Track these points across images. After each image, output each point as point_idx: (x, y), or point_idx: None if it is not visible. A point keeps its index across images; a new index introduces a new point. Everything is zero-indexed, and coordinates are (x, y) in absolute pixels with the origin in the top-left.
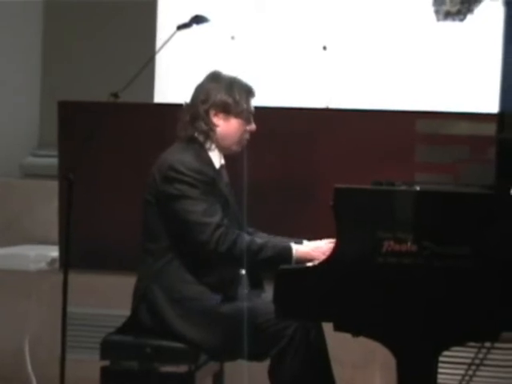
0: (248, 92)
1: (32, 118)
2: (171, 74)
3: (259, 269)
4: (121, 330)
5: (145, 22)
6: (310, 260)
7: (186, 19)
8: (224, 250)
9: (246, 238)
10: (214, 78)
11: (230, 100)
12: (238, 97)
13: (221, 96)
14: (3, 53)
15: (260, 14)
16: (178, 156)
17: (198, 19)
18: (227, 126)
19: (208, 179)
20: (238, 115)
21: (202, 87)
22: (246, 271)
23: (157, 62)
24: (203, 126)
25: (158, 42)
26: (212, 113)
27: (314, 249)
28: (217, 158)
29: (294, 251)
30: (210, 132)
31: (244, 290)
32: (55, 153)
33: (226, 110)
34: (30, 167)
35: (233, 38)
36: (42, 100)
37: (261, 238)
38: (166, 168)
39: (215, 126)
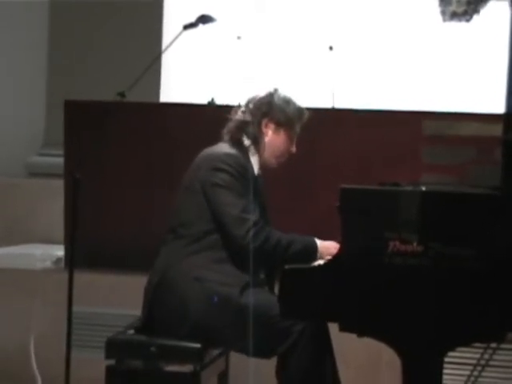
0: (301, 114)
1: (37, 118)
2: (177, 74)
3: (285, 263)
4: (136, 329)
5: (151, 22)
6: (331, 254)
7: (193, 19)
8: (257, 246)
9: (277, 233)
10: (273, 92)
11: (283, 114)
12: (291, 115)
13: (276, 108)
14: (9, 52)
15: (266, 14)
16: (226, 150)
17: (204, 19)
18: (275, 138)
19: (251, 177)
20: (286, 131)
21: (259, 98)
22: (265, 272)
23: (163, 62)
24: (254, 132)
25: (165, 42)
26: (264, 122)
27: (336, 245)
28: (256, 165)
29: (318, 245)
30: (258, 138)
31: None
32: (61, 152)
33: (279, 122)
34: (35, 166)
35: (239, 37)
36: (47, 99)
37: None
38: (215, 159)
39: (264, 134)
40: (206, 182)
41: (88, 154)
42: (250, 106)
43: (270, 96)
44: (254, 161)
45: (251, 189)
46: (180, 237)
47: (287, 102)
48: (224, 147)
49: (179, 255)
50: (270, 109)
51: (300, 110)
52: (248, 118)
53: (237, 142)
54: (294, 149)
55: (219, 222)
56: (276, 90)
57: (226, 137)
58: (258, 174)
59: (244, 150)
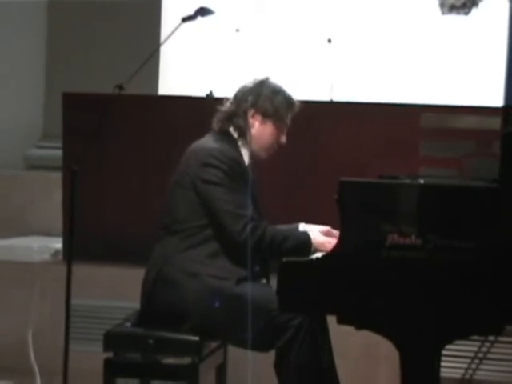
0: (290, 105)
1: (36, 110)
2: (176, 66)
3: (278, 258)
4: (134, 323)
5: (150, 14)
6: (324, 250)
7: (191, 11)
8: (254, 242)
9: (272, 229)
10: (262, 82)
11: (271, 106)
12: (279, 105)
13: (263, 99)
14: (8, 45)
15: (265, 6)
16: (216, 145)
17: (202, 11)
18: (262, 130)
19: (243, 171)
20: (274, 122)
21: (247, 88)
22: (259, 263)
23: (161, 54)
24: (240, 123)
25: (163, 34)
26: (250, 113)
27: (330, 240)
28: (246, 156)
29: (312, 241)
30: (246, 130)
31: (260, 279)
32: (59, 144)
33: (265, 113)
34: (33, 159)
35: (237, 30)
36: (46, 92)
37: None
38: (206, 154)
39: (251, 126)
40: (197, 178)
41: (86, 146)
42: (238, 95)
43: (259, 86)
44: (244, 152)
45: (244, 183)
46: (173, 233)
47: (276, 92)
48: (213, 140)
49: (174, 251)
50: (256, 99)
51: (289, 101)
52: (235, 108)
53: (225, 134)
54: (284, 139)
55: (215, 217)
56: (266, 79)
57: (215, 127)
58: (249, 165)
59: (233, 142)
